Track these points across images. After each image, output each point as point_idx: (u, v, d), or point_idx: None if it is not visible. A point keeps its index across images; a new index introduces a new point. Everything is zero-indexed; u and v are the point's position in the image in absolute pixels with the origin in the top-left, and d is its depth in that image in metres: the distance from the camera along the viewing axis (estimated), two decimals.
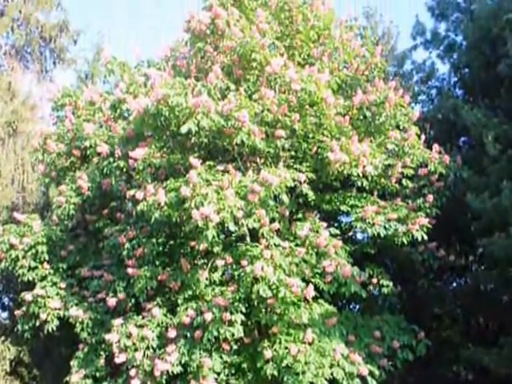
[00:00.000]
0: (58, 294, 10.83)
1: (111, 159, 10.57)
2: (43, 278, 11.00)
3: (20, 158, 15.11)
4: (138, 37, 32.32)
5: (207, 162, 9.56)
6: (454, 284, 13.39)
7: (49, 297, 10.70)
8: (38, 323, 10.72)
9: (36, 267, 11.06)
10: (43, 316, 10.53)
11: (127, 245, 10.12)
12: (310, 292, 9.07)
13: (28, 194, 15.23)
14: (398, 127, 10.69)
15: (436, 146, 10.70)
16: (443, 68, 17.90)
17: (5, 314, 15.63)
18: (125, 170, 10.49)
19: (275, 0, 10.51)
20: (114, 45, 26.35)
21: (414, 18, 14.00)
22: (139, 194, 9.36)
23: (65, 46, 16.62)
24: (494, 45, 11.80)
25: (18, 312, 11.03)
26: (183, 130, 9.15)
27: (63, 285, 10.94)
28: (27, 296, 10.66)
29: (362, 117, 10.49)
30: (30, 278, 10.96)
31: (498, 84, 11.77)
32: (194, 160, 9.27)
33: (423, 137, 10.78)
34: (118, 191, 10.66)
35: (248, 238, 9.73)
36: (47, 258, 11.10)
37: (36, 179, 15.04)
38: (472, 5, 12.93)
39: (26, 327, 10.88)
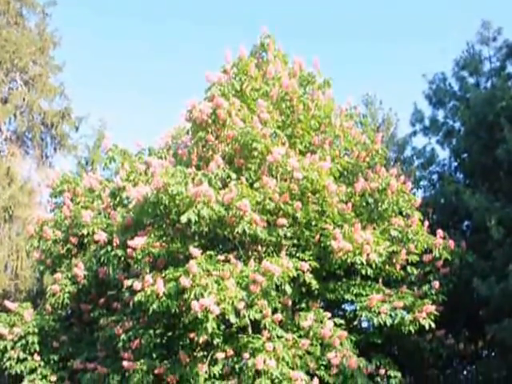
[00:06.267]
0: None
1: (109, 247, 10.43)
2: (32, 371, 10.65)
3: (15, 243, 15.01)
4: (139, 125, 33.09)
5: (208, 252, 9.43)
6: (465, 372, 12.92)
7: None
8: None
9: (25, 359, 10.72)
10: None
11: (123, 336, 9.81)
12: None
13: (21, 281, 15.00)
14: (400, 213, 10.69)
15: (440, 232, 10.66)
16: (443, 153, 18.31)
17: None
18: (123, 258, 10.34)
19: (276, 90, 10.71)
20: (115, 131, 26.95)
21: (412, 105, 14.40)
22: (137, 284, 9.20)
23: (66, 133, 16.95)
24: (490, 130, 12.05)
25: None
26: (183, 219, 9.09)
27: (54, 378, 10.60)
28: None
29: (364, 203, 10.53)
30: (19, 371, 10.60)
31: (498, 168, 11.92)
32: (193, 249, 9.17)
33: (426, 222, 10.75)
34: (115, 280, 10.49)
35: (250, 330, 9.46)
36: (38, 348, 10.79)
37: (30, 266, 14.88)
38: (467, 93, 13.31)
39: None
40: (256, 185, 9.74)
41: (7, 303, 11.36)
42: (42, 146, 16.68)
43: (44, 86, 16.26)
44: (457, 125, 13.57)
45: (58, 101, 16.89)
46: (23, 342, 10.72)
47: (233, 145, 10.19)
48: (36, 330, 10.83)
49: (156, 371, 9.50)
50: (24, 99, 16.15)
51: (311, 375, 9.03)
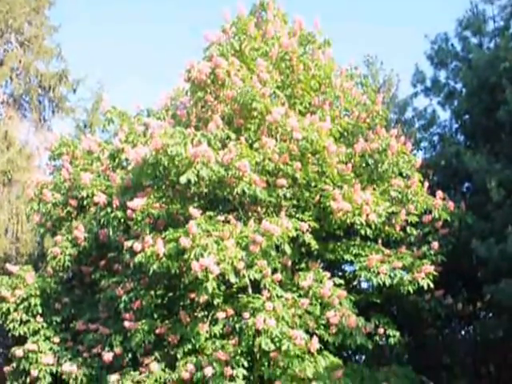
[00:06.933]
0: (50, 348, 10.56)
1: (109, 209, 10.41)
2: (35, 332, 10.71)
3: (15, 207, 15.00)
4: (138, 86, 32.81)
5: (207, 212, 9.44)
6: (463, 332, 13.08)
7: (41, 352, 10.42)
8: (28, 380, 10.38)
9: (28, 321, 10.78)
10: (34, 372, 10.24)
11: (124, 297, 9.88)
12: (315, 344, 8.88)
13: (22, 245, 15.03)
14: (400, 174, 10.66)
15: (440, 193, 10.65)
16: (444, 115, 18.24)
17: None
18: (123, 220, 10.31)
19: (276, 50, 10.56)
20: (113, 94, 26.69)
21: (414, 66, 14.18)
22: (137, 245, 9.23)
23: (64, 95, 16.74)
24: (492, 92, 11.90)
25: (7, 368, 10.75)
26: (182, 180, 9.06)
27: (56, 339, 10.66)
28: (18, 351, 10.36)
29: (364, 164, 10.49)
30: (22, 332, 10.67)
31: (499, 129, 11.82)
32: (193, 210, 9.17)
33: (426, 183, 10.72)
34: (116, 242, 10.48)
35: (250, 290, 9.51)
36: (40, 311, 10.85)
37: (31, 229, 14.86)
38: (470, 54, 13.11)
39: None
40: (255, 145, 9.69)
41: (9, 266, 11.41)
42: (40, 108, 16.51)
43: (40, 47, 15.99)
44: (458, 86, 13.40)
45: (54, 63, 16.70)
46: (25, 304, 10.78)
47: (232, 105, 10.10)
48: (38, 293, 10.89)
49: (157, 331, 9.62)
50: (20, 61, 15.92)
51: (310, 334, 9.08)
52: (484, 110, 12.09)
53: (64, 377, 10.13)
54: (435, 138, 13.79)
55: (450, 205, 10.64)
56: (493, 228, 10.72)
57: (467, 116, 13.08)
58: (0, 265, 14.06)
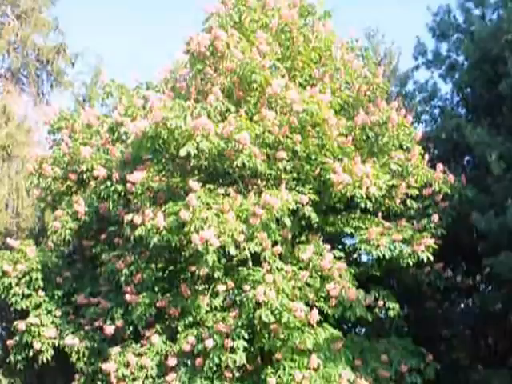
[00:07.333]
0: (52, 322, 10.62)
1: (109, 183, 10.41)
2: (37, 306, 10.77)
3: (14, 182, 14.93)
4: (136, 59, 32.50)
5: (207, 185, 9.43)
6: (462, 305, 13.15)
7: (43, 325, 10.49)
8: (31, 353, 10.49)
9: (30, 295, 10.83)
10: (37, 345, 10.31)
11: (125, 270, 9.91)
12: (315, 316, 8.93)
13: (22, 220, 15.01)
14: (401, 147, 10.60)
15: (440, 166, 10.59)
16: (445, 88, 18.15)
17: None
18: (123, 193, 10.33)
19: (276, 22, 10.41)
20: (112, 67, 26.42)
21: (415, 39, 14.03)
22: (137, 219, 9.26)
23: (62, 69, 16.52)
24: (494, 64, 11.77)
25: (10, 342, 10.80)
26: (182, 152, 9.03)
27: (58, 313, 10.73)
28: (20, 325, 10.42)
29: (364, 137, 10.40)
30: (24, 306, 10.73)
31: (500, 103, 11.71)
32: (193, 183, 9.15)
33: (427, 156, 10.68)
34: (116, 216, 10.47)
35: (250, 263, 9.50)
36: (42, 285, 10.89)
37: (31, 204, 14.88)
38: (472, 26, 12.92)
39: (19, 357, 10.65)
40: (255, 118, 9.60)
41: (10, 241, 11.43)
42: (38, 83, 16.34)
43: (37, 20, 15.75)
44: (460, 58, 13.24)
45: (52, 36, 16.44)
46: (27, 278, 10.82)
47: (231, 77, 9.98)
48: (39, 267, 10.92)
49: (158, 304, 9.66)
50: (17, 34, 15.71)
51: (310, 306, 9.13)
52: (486, 82, 11.98)
53: (66, 350, 10.22)
54: (436, 111, 13.70)
55: (451, 178, 10.60)
56: (493, 201, 10.69)
57: (469, 89, 12.97)
58: (1, 240, 14.06)
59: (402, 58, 15.58)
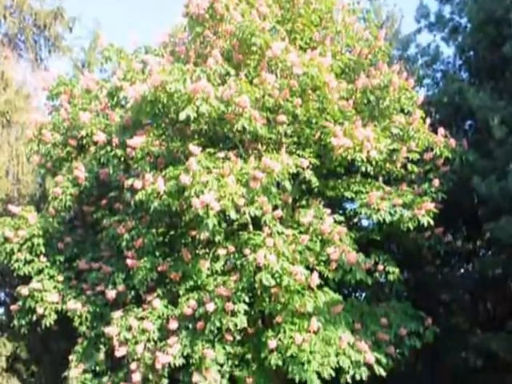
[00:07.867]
0: (55, 287, 10.64)
1: (108, 148, 10.35)
2: (40, 272, 10.80)
3: (14, 148, 14.84)
4: (135, 23, 32.00)
5: (207, 150, 9.38)
6: (462, 270, 13.21)
7: (46, 290, 10.51)
8: (34, 318, 10.53)
9: (32, 260, 10.85)
10: (40, 310, 10.34)
11: (126, 235, 9.91)
12: (315, 280, 8.97)
13: (23, 186, 14.98)
14: (402, 111, 10.50)
15: (441, 130, 10.50)
16: (448, 51, 17.91)
17: (0, 310, 15.44)
18: (123, 158, 10.29)
19: None
20: (110, 32, 25.94)
21: (418, 1, 13.82)
22: (137, 183, 9.25)
23: (60, 34, 16.23)
24: (498, 26, 11.56)
25: (13, 307, 10.84)
26: (182, 116, 8.96)
27: (61, 278, 10.76)
28: (23, 290, 10.47)
29: (365, 101, 10.30)
30: (26, 272, 10.76)
31: (504, 66, 11.56)
32: (193, 147, 9.11)
33: (428, 120, 10.57)
34: (116, 181, 10.45)
35: (250, 226, 9.56)
36: (44, 250, 10.90)
37: (31, 170, 14.81)
38: None
39: (23, 322, 10.68)
40: (255, 81, 9.51)
41: (11, 207, 11.41)
42: (36, 48, 16.06)
43: None
44: (463, 21, 13.05)
45: (48, 1, 16.20)
46: (29, 244, 10.83)
47: (231, 40, 9.88)
48: (41, 233, 10.92)
49: (159, 268, 9.71)
50: None
51: (311, 270, 9.15)
52: (489, 45, 11.80)
53: (69, 314, 10.27)
54: (438, 75, 13.54)
55: (452, 142, 10.52)
56: (494, 166, 10.62)
57: (471, 52, 12.79)
58: (2, 206, 14.06)
59: (404, 20, 15.49)
